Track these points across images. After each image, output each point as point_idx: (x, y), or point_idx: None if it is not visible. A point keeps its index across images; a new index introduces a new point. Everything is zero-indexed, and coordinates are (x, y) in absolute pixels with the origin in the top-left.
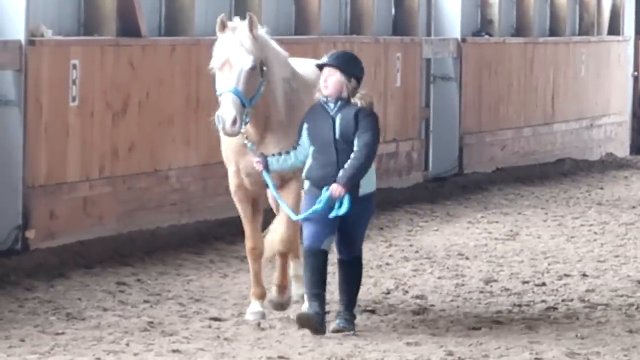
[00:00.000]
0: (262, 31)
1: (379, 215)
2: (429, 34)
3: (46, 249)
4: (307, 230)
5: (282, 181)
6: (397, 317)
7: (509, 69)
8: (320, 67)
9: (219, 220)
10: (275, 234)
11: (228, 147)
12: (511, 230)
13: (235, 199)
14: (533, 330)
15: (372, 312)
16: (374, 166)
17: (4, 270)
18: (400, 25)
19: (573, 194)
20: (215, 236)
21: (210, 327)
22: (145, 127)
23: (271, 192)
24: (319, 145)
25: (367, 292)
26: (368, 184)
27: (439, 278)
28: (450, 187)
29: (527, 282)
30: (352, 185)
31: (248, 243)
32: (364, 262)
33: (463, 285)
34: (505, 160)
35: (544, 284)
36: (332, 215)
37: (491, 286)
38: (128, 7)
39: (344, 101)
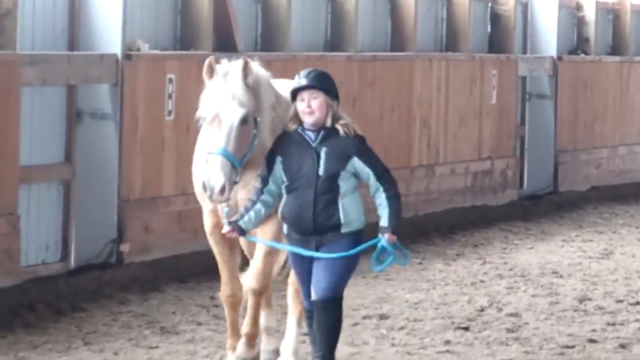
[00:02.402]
0: (255, 68)
1: (473, 232)
2: (524, 52)
3: (140, 263)
4: (304, 290)
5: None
6: (491, 335)
7: (604, 88)
8: (295, 92)
9: None
10: (250, 269)
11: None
12: (606, 249)
13: (211, 240)
14: (627, 349)
15: (466, 329)
16: (361, 201)
17: (99, 284)
18: (496, 42)
19: None
20: None
21: (303, 342)
22: None
23: (263, 244)
24: (297, 181)
25: (461, 309)
26: (354, 220)
27: (533, 296)
28: (545, 205)
29: (621, 301)
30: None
31: (225, 289)
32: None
33: (557, 303)
34: (600, 179)
35: (638, 303)
36: (401, 264)
37: (585, 305)
38: (224, 23)
39: (327, 130)
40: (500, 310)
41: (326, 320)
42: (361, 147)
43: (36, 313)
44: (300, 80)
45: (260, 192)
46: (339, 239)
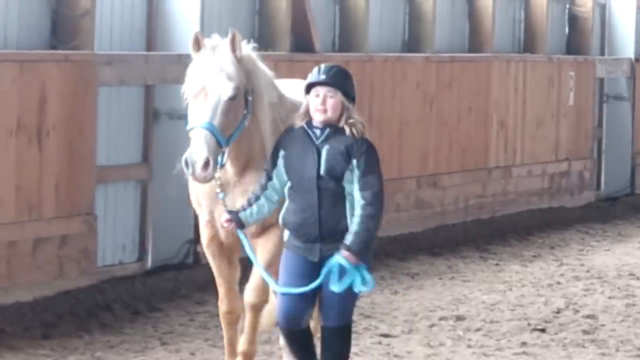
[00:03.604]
0: (247, 49)
1: (549, 234)
2: (602, 54)
3: None
4: (282, 305)
5: (262, 228)
6: (567, 336)
7: None
8: (309, 86)
9: (390, 237)
10: (249, 283)
11: (200, 191)
12: None
13: (207, 252)
14: None
15: (542, 330)
16: None
17: (175, 284)
18: (574, 44)
19: None
20: (386, 252)
21: (380, 343)
22: None
23: (247, 253)
24: (298, 181)
25: (537, 310)
26: None
27: (610, 298)
28: (622, 207)
29: None
30: (367, 251)
31: (222, 306)
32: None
33: (634, 305)
34: None
35: None
36: (356, 290)
37: None
38: (302, 24)
39: (333, 128)
40: (576, 312)
41: (339, 347)
42: (364, 151)
43: (113, 313)
44: (320, 75)
45: (265, 187)
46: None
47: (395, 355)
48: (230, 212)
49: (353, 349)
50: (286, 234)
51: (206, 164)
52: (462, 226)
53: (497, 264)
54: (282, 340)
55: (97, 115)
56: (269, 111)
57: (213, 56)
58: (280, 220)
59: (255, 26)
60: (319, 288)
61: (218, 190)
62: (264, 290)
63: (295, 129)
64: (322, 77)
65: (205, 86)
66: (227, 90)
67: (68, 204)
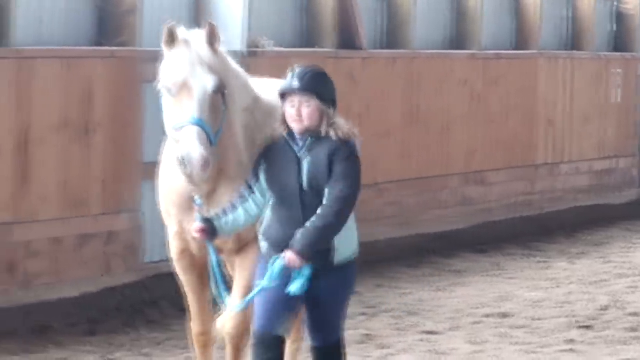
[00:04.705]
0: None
1: (595, 231)
2: None
3: None
4: (258, 308)
5: (240, 243)
6: (613, 334)
7: None
8: (284, 93)
9: (435, 233)
10: (227, 312)
11: (169, 200)
12: None
13: (177, 267)
14: None
15: (588, 328)
16: (355, 223)
17: None
18: (620, 41)
19: None
20: (431, 249)
21: (424, 340)
22: (364, 139)
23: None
24: (280, 195)
25: (583, 307)
26: (347, 247)
27: None
28: None
29: None
30: (312, 253)
31: (194, 326)
32: None
33: None
34: None
35: None
36: (292, 291)
37: None
38: (349, 21)
39: (316, 137)
40: (621, 309)
41: None
42: (343, 158)
43: (159, 310)
44: (293, 81)
45: (246, 199)
46: (329, 271)
47: (439, 352)
48: (204, 219)
49: (398, 345)
50: (264, 245)
51: (206, 163)
52: (508, 223)
53: (542, 262)
54: None
55: (143, 111)
56: (243, 116)
57: (190, 50)
58: (260, 235)
59: (302, 23)
60: (304, 304)
61: (196, 196)
62: (243, 319)
63: (276, 141)
64: (296, 84)
65: (187, 80)
66: (210, 82)
67: (114, 201)
